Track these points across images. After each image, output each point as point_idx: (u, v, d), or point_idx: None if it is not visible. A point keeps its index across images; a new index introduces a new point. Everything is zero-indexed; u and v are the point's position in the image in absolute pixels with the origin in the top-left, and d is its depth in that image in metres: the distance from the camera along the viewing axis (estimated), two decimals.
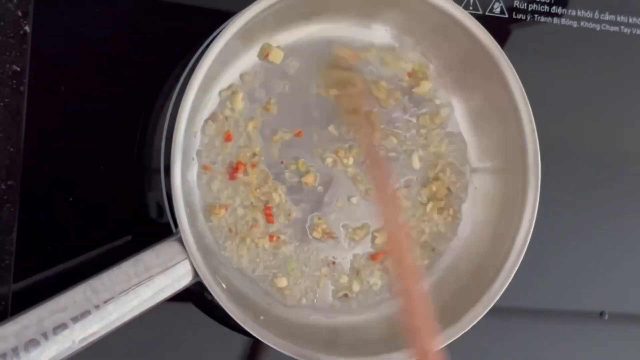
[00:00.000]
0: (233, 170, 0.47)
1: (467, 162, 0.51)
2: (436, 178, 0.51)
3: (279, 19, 0.46)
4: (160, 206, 0.46)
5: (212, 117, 0.47)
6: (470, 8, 0.54)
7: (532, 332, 0.55)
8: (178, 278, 0.41)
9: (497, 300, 0.46)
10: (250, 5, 0.43)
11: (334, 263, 0.49)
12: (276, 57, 0.48)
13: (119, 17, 0.49)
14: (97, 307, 0.39)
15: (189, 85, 0.41)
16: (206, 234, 0.47)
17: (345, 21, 0.50)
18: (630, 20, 0.58)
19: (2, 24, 0.47)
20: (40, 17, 0.47)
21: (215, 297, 0.41)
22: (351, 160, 0.49)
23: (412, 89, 0.51)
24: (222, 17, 0.47)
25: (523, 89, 0.47)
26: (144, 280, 0.40)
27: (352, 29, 0.50)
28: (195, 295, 0.47)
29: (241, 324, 0.42)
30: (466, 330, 0.45)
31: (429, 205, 0.50)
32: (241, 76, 0.48)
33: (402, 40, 0.51)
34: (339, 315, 0.49)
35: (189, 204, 0.45)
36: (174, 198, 0.41)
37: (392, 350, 0.44)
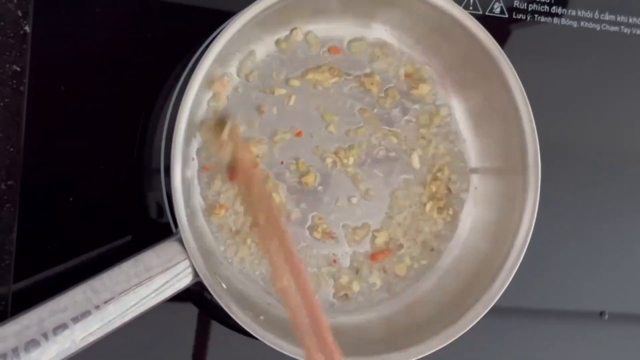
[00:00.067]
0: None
1: (467, 162, 0.51)
2: (436, 178, 0.51)
3: (279, 18, 0.46)
4: (160, 206, 0.46)
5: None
6: (470, 8, 0.54)
7: (532, 332, 0.55)
8: (178, 278, 0.41)
9: (497, 300, 0.46)
10: (250, 5, 0.43)
11: (334, 262, 0.49)
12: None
13: (119, 17, 0.49)
14: (97, 307, 0.39)
15: (189, 85, 0.42)
16: (206, 234, 0.47)
17: (345, 21, 0.50)
18: (630, 20, 0.58)
19: (2, 24, 0.47)
20: (40, 17, 0.47)
21: (215, 297, 0.41)
22: (351, 160, 0.49)
23: (410, 90, 0.51)
24: (222, 17, 0.47)
25: (523, 89, 0.47)
26: (144, 281, 0.40)
27: (352, 29, 0.50)
28: (195, 295, 0.47)
29: (241, 324, 0.42)
30: (466, 330, 0.45)
31: (429, 205, 0.50)
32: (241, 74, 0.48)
33: (401, 40, 0.51)
34: (339, 315, 0.49)
35: (189, 204, 0.45)
36: (174, 198, 0.41)
37: (392, 350, 0.44)
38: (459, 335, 0.45)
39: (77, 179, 0.48)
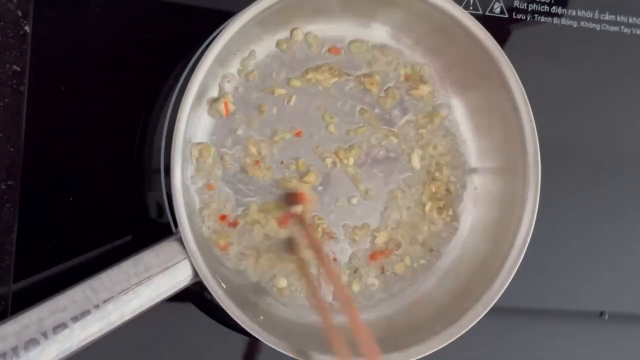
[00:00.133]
0: None
1: (467, 162, 0.51)
2: (435, 178, 0.51)
3: (279, 18, 0.46)
4: (160, 206, 0.46)
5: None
6: (470, 8, 0.54)
7: (532, 332, 0.55)
8: (178, 278, 0.41)
9: (497, 300, 0.46)
10: (250, 5, 0.43)
11: (334, 261, 0.49)
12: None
13: (119, 17, 0.49)
14: (97, 306, 0.39)
15: (189, 85, 0.42)
16: (206, 234, 0.47)
17: (345, 21, 0.50)
18: (630, 20, 0.58)
19: (2, 24, 0.47)
20: (40, 17, 0.47)
21: (215, 297, 0.41)
22: (351, 160, 0.49)
23: (410, 90, 0.51)
24: (222, 17, 0.47)
25: (523, 89, 0.47)
26: (143, 280, 0.40)
27: (352, 29, 0.50)
28: (195, 295, 0.47)
29: (241, 324, 0.42)
30: (466, 330, 0.45)
31: (429, 205, 0.50)
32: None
33: (401, 40, 0.51)
34: (339, 315, 0.49)
35: (188, 204, 0.45)
36: (174, 198, 0.41)
37: (392, 350, 0.44)
38: (459, 335, 0.45)
39: (77, 179, 0.48)
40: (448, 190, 0.51)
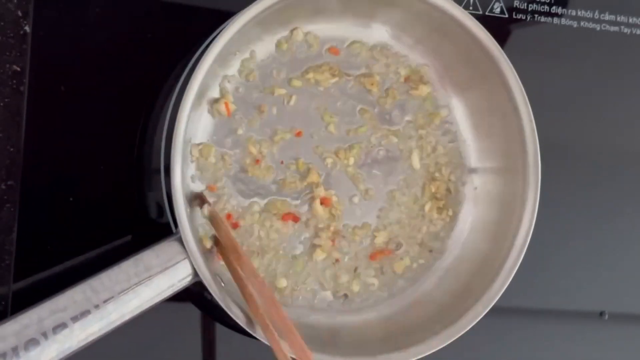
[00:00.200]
0: None
1: (466, 162, 0.51)
2: (435, 178, 0.51)
3: (279, 18, 0.46)
4: (160, 206, 0.46)
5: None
6: (470, 8, 0.54)
7: (532, 332, 0.55)
8: (178, 278, 0.41)
9: (497, 300, 0.46)
10: (250, 5, 0.43)
11: (337, 260, 0.49)
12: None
13: (119, 17, 0.49)
14: (97, 306, 0.39)
15: (189, 85, 0.42)
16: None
17: (345, 21, 0.50)
18: (630, 20, 0.58)
19: (2, 24, 0.47)
20: (40, 17, 0.47)
21: (215, 297, 0.41)
22: (351, 160, 0.49)
23: (410, 90, 0.51)
24: (222, 17, 0.47)
25: (523, 89, 0.47)
26: (143, 280, 0.40)
27: (352, 29, 0.50)
28: (195, 295, 0.47)
29: (241, 324, 0.42)
30: (466, 330, 0.45)
31: (429, 205, 0.50)
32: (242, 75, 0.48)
33: (401, 40, 0.51)
34: (339, 315, 0.49)
35: (189, 204, 0.45)
36: (174, 198, 0.41)
37: (392, 350, 0.44)
38: (459, 335, 0.45)
39: (77, 179, 0.48)
40: (448, 190, 0.51)
